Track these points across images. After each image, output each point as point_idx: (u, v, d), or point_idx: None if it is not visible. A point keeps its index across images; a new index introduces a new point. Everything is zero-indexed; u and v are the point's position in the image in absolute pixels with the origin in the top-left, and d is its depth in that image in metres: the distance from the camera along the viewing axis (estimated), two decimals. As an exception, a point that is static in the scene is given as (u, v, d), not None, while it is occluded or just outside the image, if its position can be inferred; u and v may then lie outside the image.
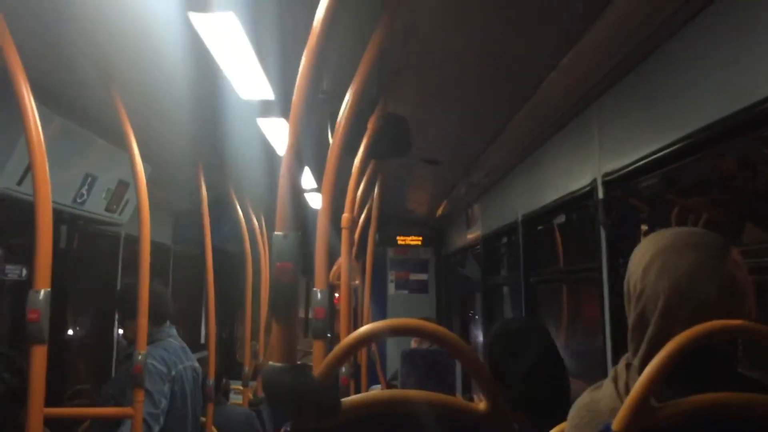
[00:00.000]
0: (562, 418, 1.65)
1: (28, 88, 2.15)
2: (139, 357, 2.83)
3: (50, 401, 2.90)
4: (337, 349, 1.21)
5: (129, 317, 3.14)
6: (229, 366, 6.24)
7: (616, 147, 2.52)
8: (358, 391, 4.27)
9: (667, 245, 1.26)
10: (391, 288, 8.14)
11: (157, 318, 3.22)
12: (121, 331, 4.17)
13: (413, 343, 3.87)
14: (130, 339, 3.17)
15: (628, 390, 1.20)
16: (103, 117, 3.27)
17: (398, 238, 8.18)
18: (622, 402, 1.16)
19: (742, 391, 1.14)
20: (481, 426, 1.21)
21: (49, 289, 2.14)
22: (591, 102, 2.72)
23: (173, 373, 3.12)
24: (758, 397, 1.13)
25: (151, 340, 3.15)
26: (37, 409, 2.09)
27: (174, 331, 3.35)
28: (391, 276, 8.15)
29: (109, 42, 2.53)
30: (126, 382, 2.97)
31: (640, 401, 1.11)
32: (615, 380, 1.27)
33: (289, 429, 1.17)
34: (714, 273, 1.21)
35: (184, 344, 3.44)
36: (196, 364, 3.42)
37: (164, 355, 3.16)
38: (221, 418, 4.20)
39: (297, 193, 1.36)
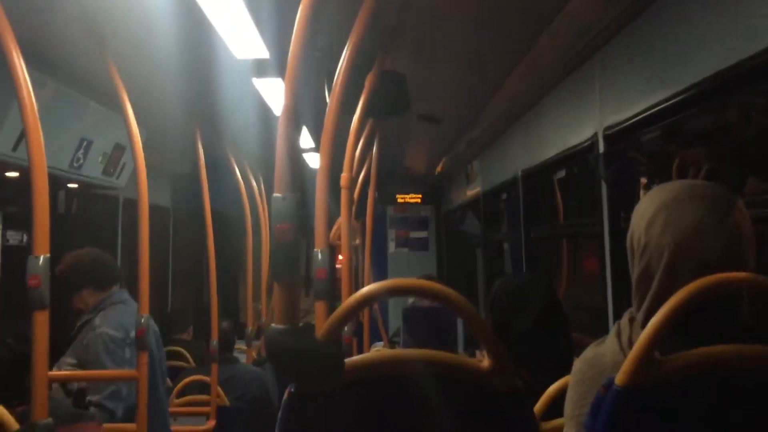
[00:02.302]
0: (566, 372, 1.66)
1: (19, 52, 2.12)
2: (142, 320, 2.84)
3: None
4: (340, 310, 1.20)
5: (74, 290, 3.08)
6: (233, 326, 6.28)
7: (618, 100, 2.49)
8: (360, 349, 4.30)
9: (671, 198, 1.25)
10: (392, 246, 8.15)
11: (102, 284, 3.12)
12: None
13: (410, 300, 3.89)
14: (79, 310, 3.08)
15: (631, 344, 1.20)
16: (96, 80, 3.23)
17: (398, 196, 8.17)
18: (625, 356, 1.16)
19: (747, 344, 1.14)
20: (485, 383, 1.21)
21: (48, 255, 2.13)
22: (591, 54, 2.68)
23: (132, 335, 2.97)
24: (762, 349, 1.13)
25: (102, 307, 3.06)
26: (41, 374, 2.10)
27: (126, 295, 3.20)
28: (392, 234, 8.15)
29: (99, 3, 2.48)
30: (83, 350, 2.93)
31: (644, 355, 1.11)
32: (618, 335, 1.27)
33: (293, 390, 1.17)
34: (719, 225, 1.20)
35: None
36: (156, 327, 3.28)
37: (121, 320, 3.03)
38: (233, 376, 4.25)
39: (295, 154, 1.34)
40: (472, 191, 5.85)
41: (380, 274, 7.35)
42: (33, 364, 2.10)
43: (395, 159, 6.79)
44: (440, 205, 8.11)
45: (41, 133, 2.17)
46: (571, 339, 2.22)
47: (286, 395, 1.18)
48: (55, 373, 2.78)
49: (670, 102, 2.04)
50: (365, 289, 1.21)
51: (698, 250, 1.19)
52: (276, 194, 1.27)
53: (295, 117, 1.34)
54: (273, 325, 1.21)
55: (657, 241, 1.22)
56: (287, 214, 1.25)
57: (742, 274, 1.14)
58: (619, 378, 1.12)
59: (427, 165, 7.19)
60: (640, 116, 2.25)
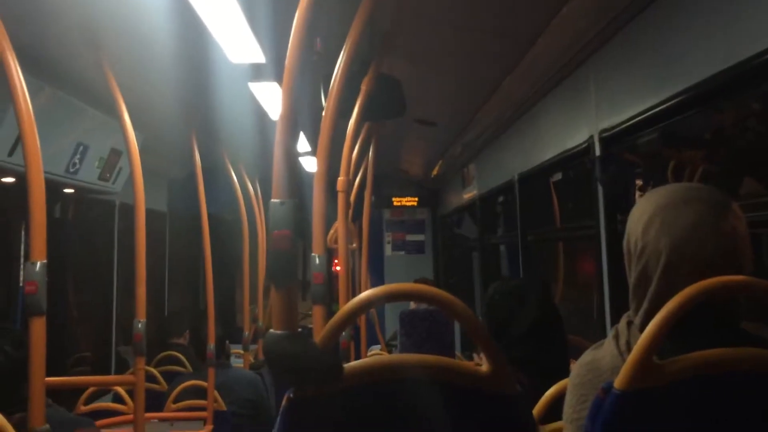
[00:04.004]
0: (562, 375, 1.66)
1: (14, 58, 2.11)
2: (139, 326, 2.83)
3: (52, 371, 2.91)
4: (338, 316, 1.20)
5: None
6: (229, 330, 6.28)
7: (613, 103, 2.50)
8: (358, 352, 4.30)
9: (667, 202, 1.25)
10: (388, 249, 8.15)
11: None
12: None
13: (412, 305, 3.89)
14: None
15: (629, 348, 1.20)
16: (93, 86, 3.22)
17: (394, 199, 8.17)
18: (623, 360, 1.16)
19: (744, 347, 1.14)
20: (484, 387, 1.21)
21: (45, 261, 2.13)
22: (587, 58, 2.68)
23: None
24: (760, 352, 1.13)
25: None
26: (39, 380, 2.10)
27: None
28: (388, 237, 8.15)
29: (95, 8, 2.48)
30: None
31: (643, 359, 1.11)
32: (616, 338, 1.27)
33: (291, 395, 1.17)
34: (715, 228, 1.20)
35: None
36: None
37: None
38: (226, 381, 4.24)
39: (293, 159, 1.34)
40: (468, 194, 5.85)
41: (377, 277, 7.35)
42: (30, 370, 2.09)
43: (391, 162, 6.80)
44: (437, 208, 8.11)
45: (37, 139, 2.16)
46: (566, 340, 2.22)
47: (285, 401, 1.18)
48: (52, 379, 2.77)
49: (666, 105, 2.04)
50: (363, 295, 1.21)
51: (695, 252, 1.19)
52: (274, 200, 1.27)
53: (293, 121, 1.34)
54: (271, 330, 1.21)
55: (654, 245, 1.23)
56: (285, 220, 1.25)
57: (739, 277, 1.14)
58: (618, 382, 1.12)
59: (423, 168, 7.20)
60: (636, 119, 2.26)
